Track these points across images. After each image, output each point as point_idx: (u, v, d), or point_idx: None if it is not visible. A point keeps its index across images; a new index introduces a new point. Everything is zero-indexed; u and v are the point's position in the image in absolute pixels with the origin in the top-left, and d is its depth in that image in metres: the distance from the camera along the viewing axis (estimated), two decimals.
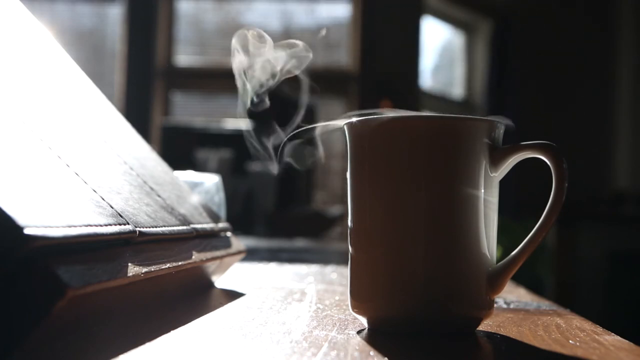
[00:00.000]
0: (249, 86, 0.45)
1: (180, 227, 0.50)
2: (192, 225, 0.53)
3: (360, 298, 0.42)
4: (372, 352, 0.35)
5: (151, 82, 3.53)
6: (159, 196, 0.52)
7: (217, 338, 0.38)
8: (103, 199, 0.40)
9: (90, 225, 0.35)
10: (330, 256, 1.12)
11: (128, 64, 3.50)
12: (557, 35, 3.58)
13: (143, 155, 0.59)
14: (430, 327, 0.40)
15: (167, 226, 0.47)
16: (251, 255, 0.92)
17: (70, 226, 0.33)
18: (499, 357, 0.36)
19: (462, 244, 0.40)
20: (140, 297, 0.44)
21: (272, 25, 3.65)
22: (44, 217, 0.31)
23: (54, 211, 0.33)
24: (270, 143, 0.45)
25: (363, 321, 0.42)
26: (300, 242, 1.55)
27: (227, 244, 0.61)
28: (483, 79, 3.70)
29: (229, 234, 0.65)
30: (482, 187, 0.40)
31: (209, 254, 0.54)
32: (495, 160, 0.41)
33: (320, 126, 0.43)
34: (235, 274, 0.71)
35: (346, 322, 0.43)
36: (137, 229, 0.41)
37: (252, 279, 0.68)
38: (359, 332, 0.40)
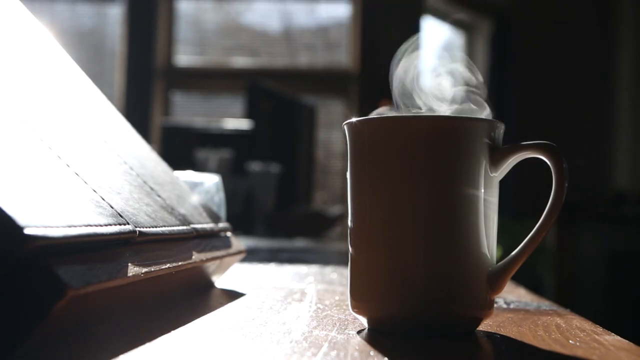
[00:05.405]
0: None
1: (180, 227, 0.50)
2: (192, 225, 0.53)
3: (360, 298, 0.42)
4: (372, 352, 0.35)
5: (151, 82, 3.53)
6: (159, 196, 0.52)
7: (217, 338, 0.38)
8: (103, 199, 0.40)
9: (90, 225, 0.35)
10: (330, 256, 1.12)
11: (128, 64, 3.50)
12: (557, 35, 3.58)
13: (143, 155, 0.59)
14: (430, 327, 0.40)
15: (167, 226, 0.47)
16: (251, 255, 0.92)
17: (70, 226, 0.33)
18: (499, 357, 0.36)
19: (462, 244, 0.40)
20: (140, 297, 0.44)
21: (272, 25, 3.65)
22: (44, 217, 0.31)
23: (54, 211, 0.33)
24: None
25: (363, 321, 0.42)
26: (300, 242, 1.55)
27: (227, 244, 0.61)
28: (483, 79, 3.70)
29: (229, 234, 0.65)
30: (482, 187, 0.40)
31: (209, 254, 0.54)
32: (495, 160, 0.41)
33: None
34: (235, 274, 0.71)
35: (346, 322, 0.43)
36: (137, 229, 0.41)
37: (252, 279, 0.68)
38: (359, 332, 0.40)
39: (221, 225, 0.63)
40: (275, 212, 2.03)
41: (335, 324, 0.43)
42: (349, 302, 0.43)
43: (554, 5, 3.63)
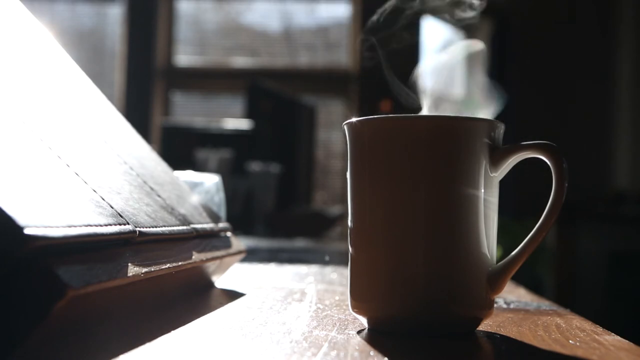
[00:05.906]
0: None
1: (180, 227, 0.50)
2: (192, 225, 0.53)
3: (360, 298, 0.42)
4: (372, 352, 0.35)
5: (151, 82, 3.53)
6: (159, 196, 0.52)
7: (217, 338, 0.38)
8: (103, 199, 0.40)
9: (90, 225, 0.35)
10: (330, 256, 1.12)
11: (128, 64, 3.50)
12: (557, 35, 3.58)
13: (143, 155, 0.59)
14: (430, 327, 0.40)
15: (167, 226, 0.47)
16: (251, 255, 0.92)
17: (70, 226, 0.33)
18: (499, 357, 0.36)
19: (462, 244, 0.40)
20: (140, 297, 0.44)
21: (272, 25, 3.65)
22: (44, 217, 0.31)
23: (54, 211, 0.33)
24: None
25: (363, 321, 0.42)
26: (300, 242, 1.55)
27: (227, 244, 0.61)
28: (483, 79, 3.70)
29: (229, 234, 0.65)
30: (482, 187, 0.40)
31: (209, 254, 0.54)
32: (495, 160, 0.41)
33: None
34: (235, 274, 0.71)
35: (346, 322, 0.43)
36: (137, 229, 0.41)
37: (252, 279, 0.68)
38: (359, 332, 0.40)
39: (221, 225, 0.63)
40: (275, 212, 2.03)
41: (335, 324, 0.43)
42: (349, 302, 0.43)
43: (554, 5, 3.63)
